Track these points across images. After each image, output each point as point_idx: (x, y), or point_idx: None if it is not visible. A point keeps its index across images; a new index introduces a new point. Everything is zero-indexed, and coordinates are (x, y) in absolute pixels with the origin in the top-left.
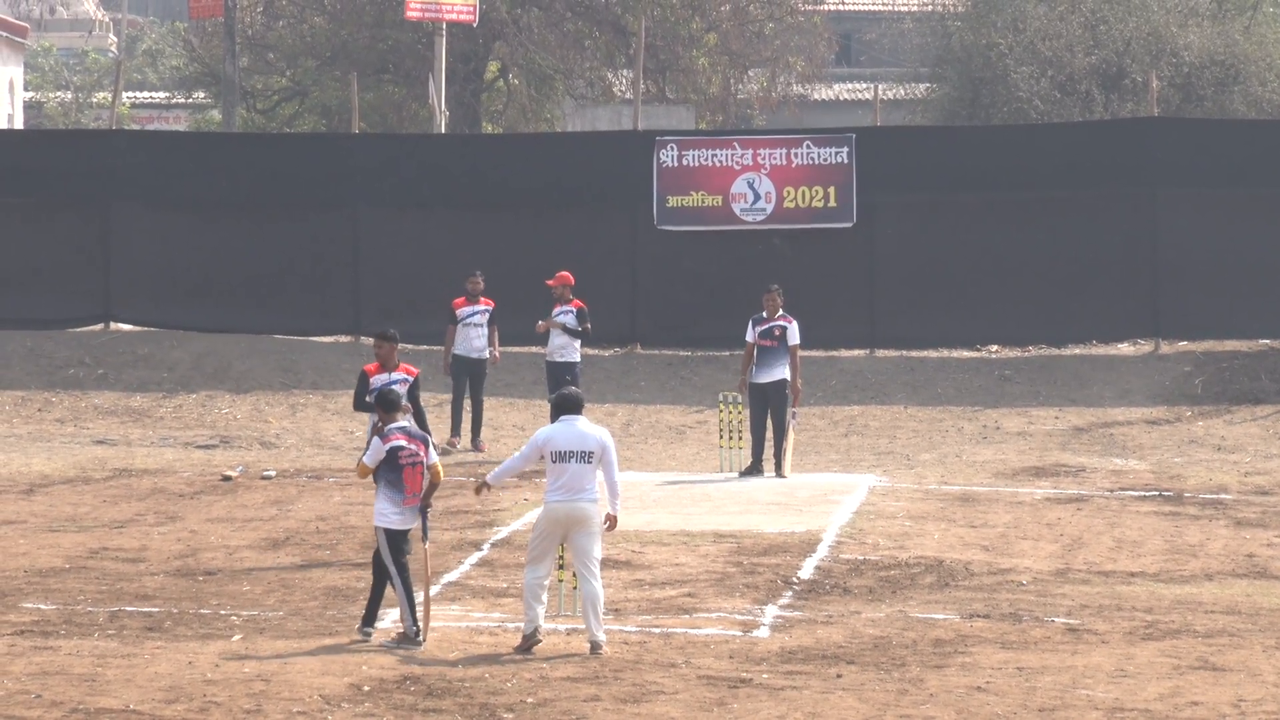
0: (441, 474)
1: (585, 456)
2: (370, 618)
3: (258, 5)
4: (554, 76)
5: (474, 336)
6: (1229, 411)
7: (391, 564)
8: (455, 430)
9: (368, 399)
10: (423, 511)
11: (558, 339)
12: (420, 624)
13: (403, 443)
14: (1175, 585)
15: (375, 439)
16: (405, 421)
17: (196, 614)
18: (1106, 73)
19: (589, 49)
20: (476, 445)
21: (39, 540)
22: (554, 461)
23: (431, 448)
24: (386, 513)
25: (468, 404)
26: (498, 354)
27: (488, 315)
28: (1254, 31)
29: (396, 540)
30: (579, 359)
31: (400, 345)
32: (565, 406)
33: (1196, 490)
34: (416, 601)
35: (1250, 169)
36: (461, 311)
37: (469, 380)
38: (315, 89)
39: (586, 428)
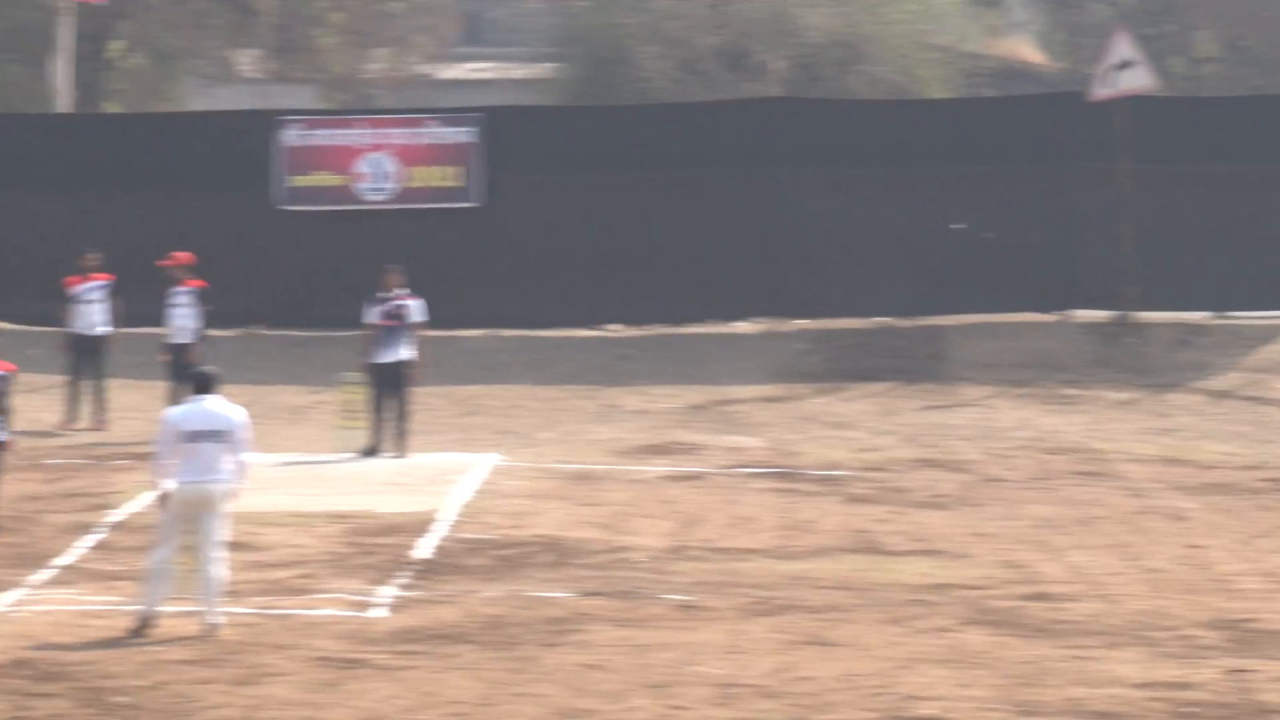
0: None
1: (216, 436)
2: None
3: None
4: (178, 56)
5: (91, 314)
6: (844, 389)
7: None
8: (72, 412)
9: None
10: None
11: (175, 320)
12: None
13: None
14: (789, 561)
15: None
16: None
17: None
18: (731, 53)
19: (214, 28)
20: (99, 424)
21: None
22: (184, 442)
23: None
24: None
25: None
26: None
27: (106, 290)
28: (876, 12)
29: None
30: (192, 340)
31: (21, 326)
32: (198, 386)
33: (811, 467)
34: None
35: (869, 149)
36: (75, 289)
37: (85, 358)
38: None
39: (217, 407)
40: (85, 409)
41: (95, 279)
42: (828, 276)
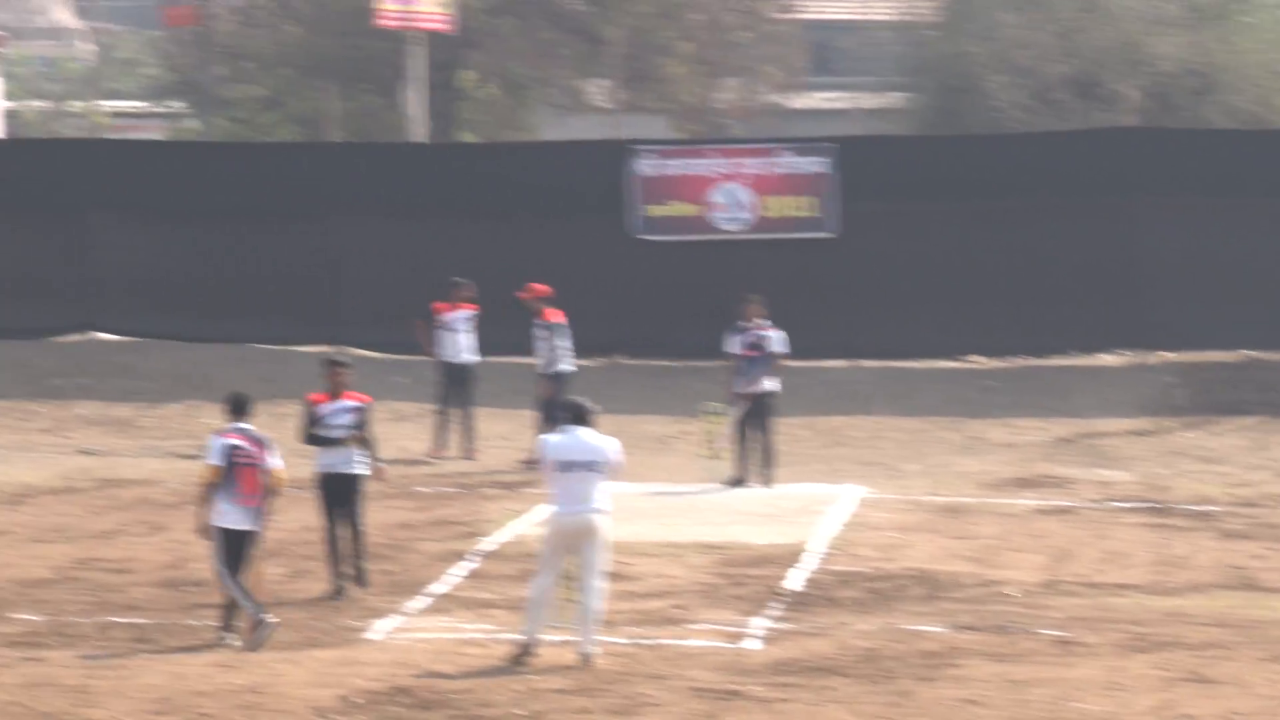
0: (284, 480)
1: (590, 466)
2: (226, 624)
3: (233, 14)
4: (529, 85)
5: (460, 342)
6: (1213, 422)
7: (219, 564)
8: (441, 440)
9: (313, 430)
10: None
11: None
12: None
13: (238, 442)
14: (1164, 597)
15: (214, 437)
16: (247, 424)
17: (185, 625)
18: (1081, 82)
19: (564, 57)
20: (468, 453)
21: (26, 551)
22: (559, 472)
23: (273, 453)
24: (223, 511)
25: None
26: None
27: (474, 320)
28: (1229, 40)
29: (230, 541)
30: (563, 369)
31: (385, 355)
32: (573, 417)
33: (1183, 501)
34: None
35: (1228, 178)
36: (444, 316)
37: (455, 387)
38: (292, 98)
39: (591, 438)
40: (454, 437)
41: (464, 308)
42: (1192, 307)
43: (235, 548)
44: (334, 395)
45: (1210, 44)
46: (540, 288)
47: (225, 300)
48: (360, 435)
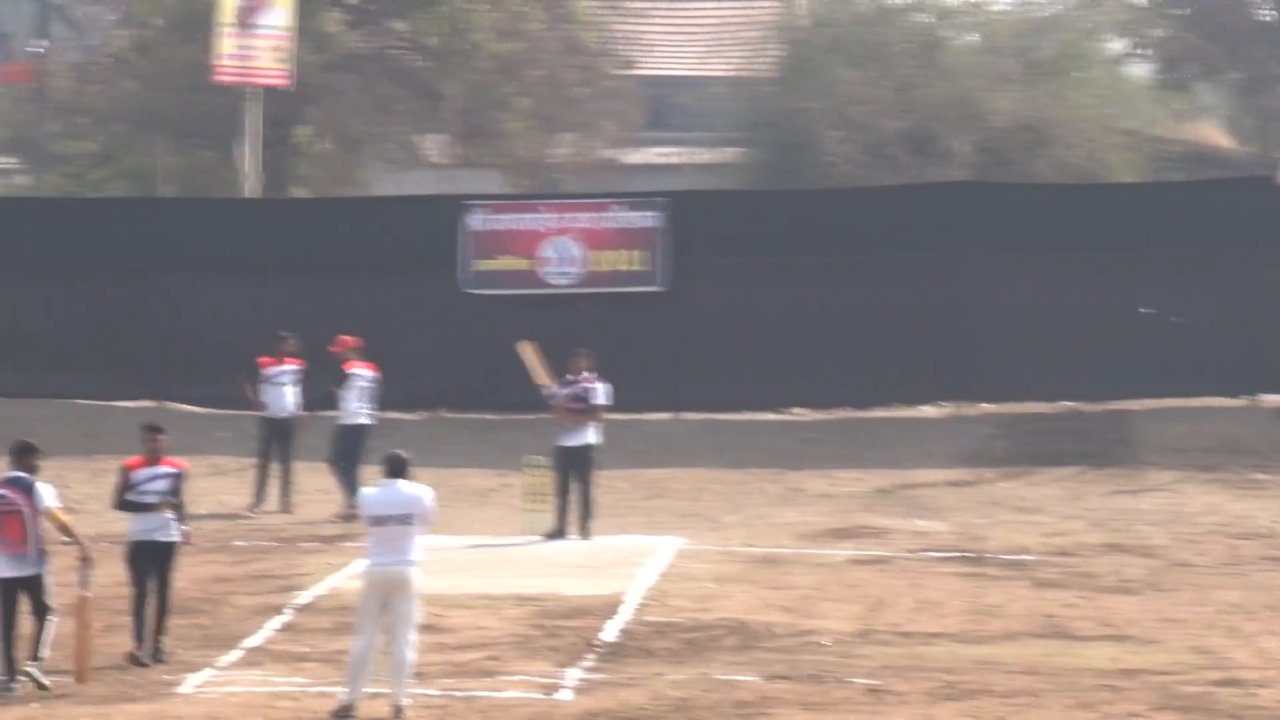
0: (62, 515)
1: (404, 519)
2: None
3: (69, 71)
4: (365, 141)
5: (284, 396)
6: (1031, 473)
7: None
8: (260, 495)
9: (127, 496)
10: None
11: (346, 404)
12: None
13: (2, 491)
14: (976, 646)
15: None
16: (19, 473)
17: None
18: (916, 137)
19: (400, 113)
20: (285, 507)
21: None
22: (373, 525)
23: (41, 494)
24: None
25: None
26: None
27: (298, 374)
28: (1063, 96)
29: (3, 589)
30: (353, 420)
31: (209, 410)
32: (388, 469)
33: (998, 551)
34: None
35: (1055, 233)
36: (267, 371)
37: (277, 442)
38: (125, 153)
39: (406, 489)
40: (273, 492)
41: (289, 363)
42: (1014, 360)
43: (9, 596)
44: (150, 461)
45: (1044, 99)
46: (349, 340)
47: (47, 354)
48: (174, 501)
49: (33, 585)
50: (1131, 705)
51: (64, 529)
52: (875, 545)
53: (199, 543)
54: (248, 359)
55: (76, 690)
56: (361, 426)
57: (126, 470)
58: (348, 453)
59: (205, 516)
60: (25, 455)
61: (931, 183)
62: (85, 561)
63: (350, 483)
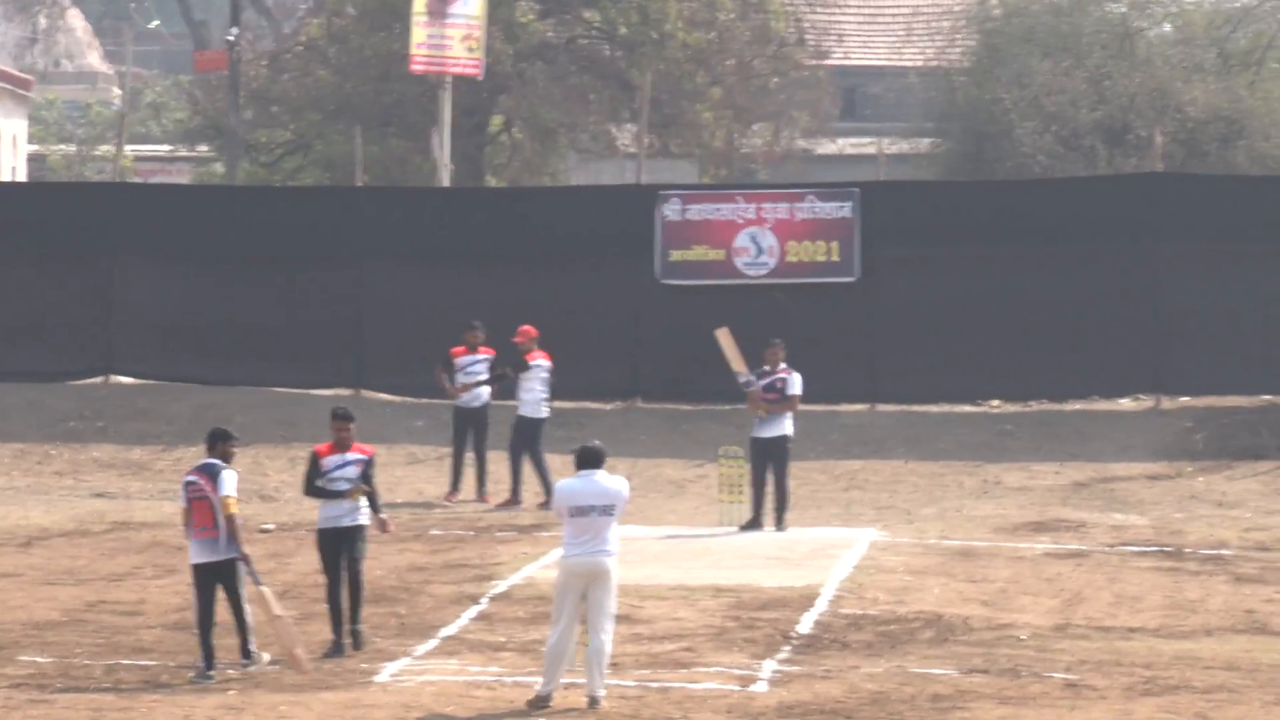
0: (232, 506)
1: (605, 510)
2: (244, 650)
3: (262, 59)
4: (558, 130)
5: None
6: (1229, 467)
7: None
8: (455, 485)
9: (317, 483)
10: (240, 555)
11: (524, 394)
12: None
13: (191, 478)
14: (1175, 641)
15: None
16: (212, 459)
17: (194, 667)
18: (1111, 128)
19: (593, 103)
20: (481, 496)
21: (36, 593)
22: (572, 516)
23: (224, 481)
24: (190, 549)
25: (469, 457)
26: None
27: (488, 364)
28: (1259, 87)
29: (197, 576)
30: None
31: (405, 399)
32: (585, 460)
33: (1196, 546)
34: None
35: (1253, 224)
36: (460, 361)
37: (472, 431)
38: (319, 142)
39: (605, 481)
40: (468, 481)
41: (482, 351)
42: (1212, 353)
43: (205, 582)
44: (339, 448)
45: (1239, 90)
46: (531, 329)
47: (245, 344)
48: (365, 489)
49: (225, 571)
50: None
51: (229, 519)
52: (1072, 539)
53: (396, 531)
54: (443, 349)
55: (274, 678)
56: (543, 419)
57: (316, 457)
58: (533, 443)
59: (401, 505)
60: (220, 442)
61: (1127, 174)
62: (245, 560)
63: (543, 472)
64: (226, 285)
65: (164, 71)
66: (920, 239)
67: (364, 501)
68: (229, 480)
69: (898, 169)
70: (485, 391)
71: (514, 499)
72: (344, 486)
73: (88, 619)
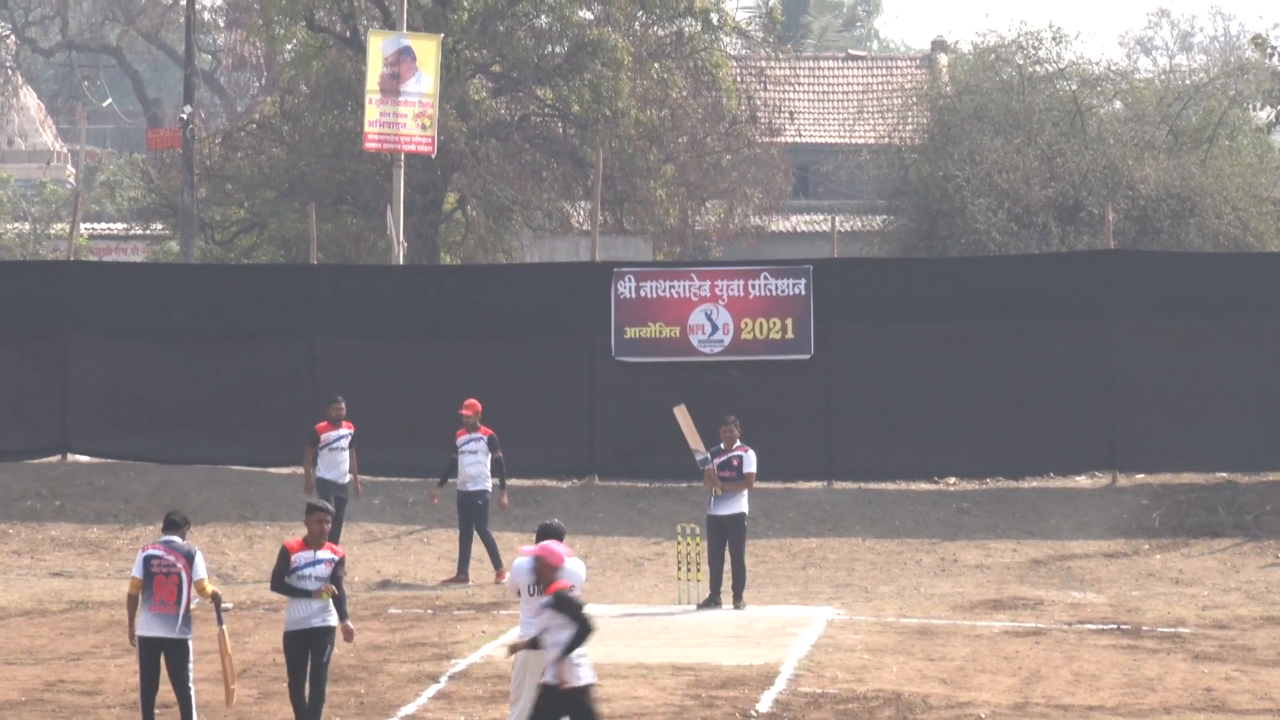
0: (208, 589)
1: None
2: None
3: (216, 137)
4: (512, 208)
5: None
6: (1186, 545)
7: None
8: (463, 569)
9: (286, 579)
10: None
11: (468, 469)
12: None
13: (158, 552)
14: (1134, 719)
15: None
16: (174, 538)
17: None
18: (1063, 205)
19: (547, 180)
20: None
21: None
22: (530, 594)
23: (199, 565)
24: (142, 621)
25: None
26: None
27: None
28: (1210, 165)
29: (143, 648)
30: (488, 487)
31: (363, 477)
32: (546, 537)
33: (1154, 624)
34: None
35: (1206, 301)
36: (327, 436)
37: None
38: (274, 220)
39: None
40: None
41: (346, 426)
42: (1167, 430)
43: (152, 656)
44: (312, 544)
45: (1191, 167)
46: (477, 404)
47: (202, 421)
48: (333, 589)
49: (173, 651)
50: None
51: (214, 597)
52: (1030, 617)
53: (355, 641)
54: (399, 425)
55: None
56: (488, 491)
57: (287, 553)
58: (481, 519)
59: (357, 585)
60: (185, 525)
61: (1080, 251)
62: (216, 598)
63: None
64: (182, 363)
65: (118, 150)
66: (874, 316)
67: (331, 602)
68: (203, 563)
69: (851, 246)
70: (346, 467)
71: (460, 575)
72: (313, 586)
73: (47, 699)
